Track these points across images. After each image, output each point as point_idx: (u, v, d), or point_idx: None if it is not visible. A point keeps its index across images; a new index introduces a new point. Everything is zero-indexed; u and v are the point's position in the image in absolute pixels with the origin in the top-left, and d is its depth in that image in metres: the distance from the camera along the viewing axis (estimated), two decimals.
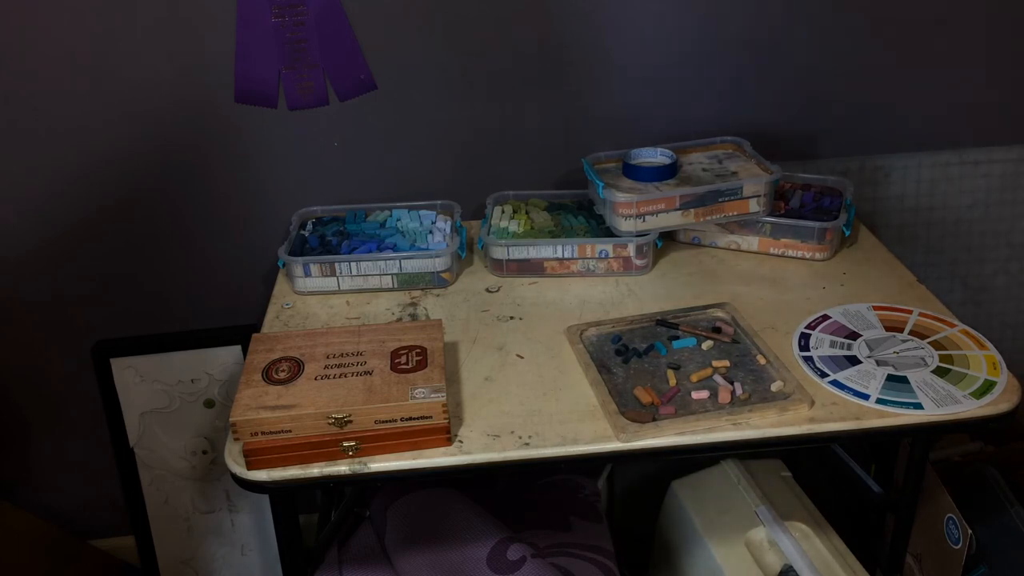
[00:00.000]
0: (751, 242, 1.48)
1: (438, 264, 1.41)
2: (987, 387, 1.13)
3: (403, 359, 1.12)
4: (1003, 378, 1.15)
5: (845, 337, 1.25)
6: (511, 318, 1.34)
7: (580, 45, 1.54)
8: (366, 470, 1.06)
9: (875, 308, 1.31)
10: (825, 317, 1.30)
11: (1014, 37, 1.63)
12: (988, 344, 1.22)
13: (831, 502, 1.54)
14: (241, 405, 1.05)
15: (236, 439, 1.04)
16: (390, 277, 1.42)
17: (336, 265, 1.41)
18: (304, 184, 1.59)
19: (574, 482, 1.55)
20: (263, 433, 1.04)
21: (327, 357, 1.13)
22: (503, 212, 1.54)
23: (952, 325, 1.26)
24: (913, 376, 1.16)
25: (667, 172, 1.45)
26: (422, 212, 1.55)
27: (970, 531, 1.41)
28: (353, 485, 1.46)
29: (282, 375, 1.10)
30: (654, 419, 1.10)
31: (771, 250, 1.47)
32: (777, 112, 1.63)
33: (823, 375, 1.17)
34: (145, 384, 1.69)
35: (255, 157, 1.57)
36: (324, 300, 1.41)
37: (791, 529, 1.43)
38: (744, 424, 1.10)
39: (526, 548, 1.35)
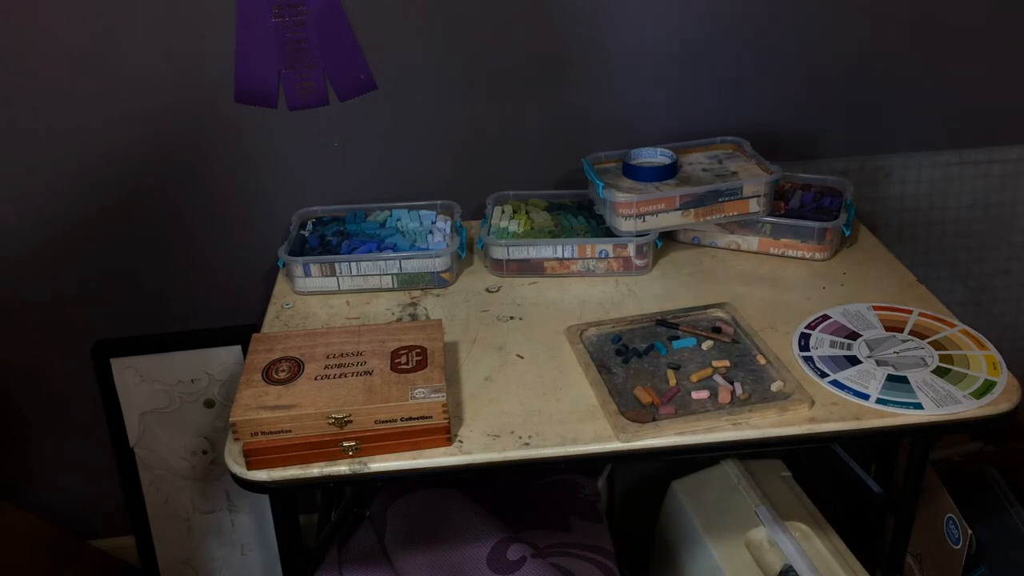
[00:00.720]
0: (751, 242, 1.48)
1: (438, 264, 1.41)
2: (987, 387, 1.13)
3: (403, 359, 1.12)
4: (1003, 378, 1.15)
5: (845, 337, 1.25)
6: (511, 318, 1.34)
7: (580, 45, 1.54)
8: (366, 470, 1.06)
9: (875, 308, 1.31)
10: (825, 317, 1.30)
11: (1014, 37, 1.63)
12: (988, 344, 1.22)
13: (831, 502, 1.54)
14: (241, 405, 1.05)
15: (236, 439, 1.04)
16: (390, 277, 1.42)
17: (336, 265, 1.41)
18: (304, 184, 1.59)
19: (574, 482, 1.55)
20: (263, 433, 1.04)
21: (327, 357, 1.13)
22: (503, 212, 1.54)
23: (952, 325, 1.26)
24: (913, 376, 1.16)
25: (667, 172, 1.45)
26: (422, 212, 1.55)
27: (970, 531, 1.41)
28: (353, 485, 1.46)
29: (282, 375, 1.10)
30: (654, 419, 1.10)
31: (771, 250, 1.47)
32: (777, 112, 1.63)
33: (823, 375, 1.17)
34: (145, 384, 1.69)
35: (255, 157, 1.57)
36: (324, 300, 1.41)
37: (791, 529, 1.43)
38: (744, 424, 1.10)
39: (526, 548, 1.35)
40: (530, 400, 1.15)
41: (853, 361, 1.20)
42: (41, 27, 1.44)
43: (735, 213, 1.43)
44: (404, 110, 1.56)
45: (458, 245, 1.43)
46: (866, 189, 1.69)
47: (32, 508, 1.76)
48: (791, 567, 1.39)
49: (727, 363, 1.20)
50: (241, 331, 1.68)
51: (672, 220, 1.42)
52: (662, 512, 1.61)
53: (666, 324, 1.29)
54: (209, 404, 1.73)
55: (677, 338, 1.26)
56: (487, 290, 1.42)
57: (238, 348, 1.69)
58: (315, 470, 1.06)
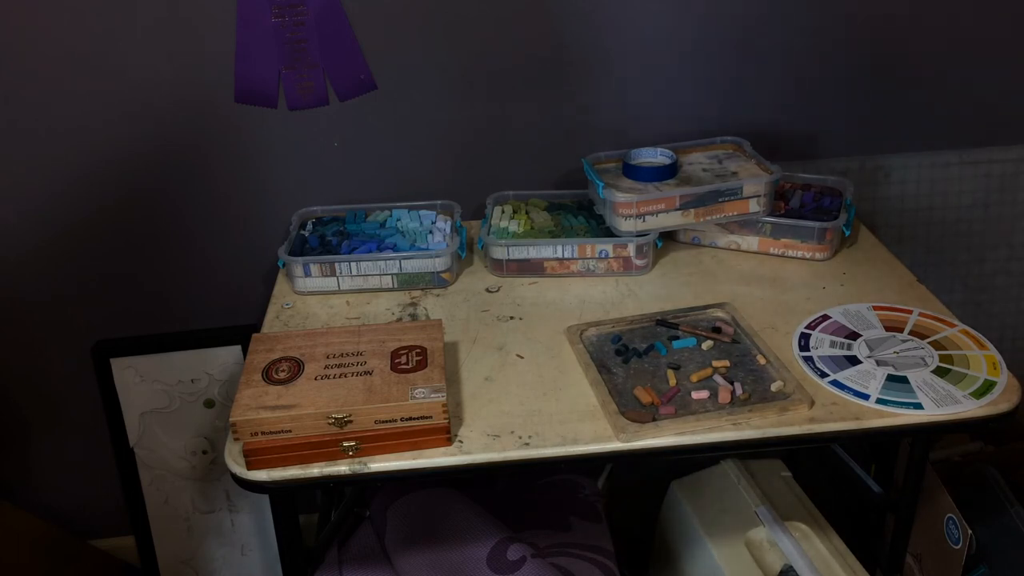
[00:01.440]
0: (751, 242, 1.48)
1: (438, 264, 1.41)
2: (987, 387, 1.13)
3: (403, 359, 1.12)
4: (1003, 378, 1.15)
5: (845, 337, 1.25)
6: (511, 318, 1.34)
7: (580, 45, 1.54)
8: (366, 470, 1.06)
9: (875, 308, 1.31)
10: (825, 317, 1.30)
11: (1014, 38, 1.63)
12: (988, 344, 1.22)
13: (831, 502, 1.54)
14: (241, 405, 1.05)
15: (236, 439, 1.04)
16: (390, 277, 1.42)
17: (336, 265, 1.41)
18: (304, 184, 1.59)
19: (574, 482, 1.55)
20: (263, 433, 1.04)
21: (327, 357, 1.13)
22: (503, 212, 1.54)
23: (952, 325, 1.26)
24: (913, 376, 1.16)
25: (667, 172, 1.45)
26: (422, 212, 1.55)
27: (970, 531, 1.41)
28: (353, 485, 1.46)
29: (282, 375, 1.10)
30: (654, 419, 1.10)
31: (771, 250, 1.47)
32: (777, 112, 1.63)
33: (823, 375, 1.17)
34: (145, 384, 1.69)
35: (255, 157, 1.57)
36: (324, 300, 1.41)
37: (791, 529, 1.43)
38: (744, 424, 1.10)
39: (526, 548, 1.35)
40: (530, 400, 1.15)
41: (853, 361, 1.20)
42: (41, 27, 1.44)
43: (735, 213, 1.43)
44: (404, 110, 1.56)
45: (458, 245, 1.43)
46: (866, 189, 1.69)
47: (32, 508, 1.76)
48: (791, 567, 1.39)
49: (727, 363, 1.20)
50: (241, 331, 1.68)
51: (672, 220, 1.42)
52: (662, 512, 1.61)
53: (666, 324, 1.29)
54: (209, 404, 1.73)
55: (677, 338, 1.26)
56: (487, 290, 1.42)
57: (238, 348, 1.69)
58: (315, 470, 1.06)
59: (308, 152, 1.57)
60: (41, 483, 1.79)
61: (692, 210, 1.41)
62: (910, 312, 1.29)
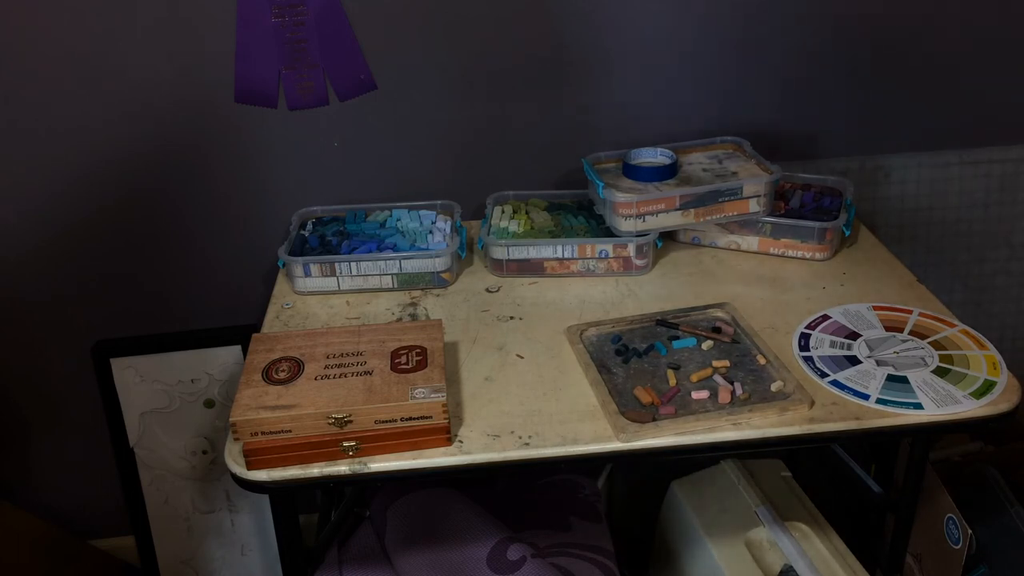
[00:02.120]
0: (751, 242, 1.48)
1: (438, 264, 1.41)
2: (987, 387, 1.13)
3: (403, 359, 1.12)
4: (1003, 378, 1.15)
5: (845, 337, 1.25)
6: (511, 318, 1.34)
7: (580, 45, 1.54)
8: (366, 470, 1.06)
9: (875, 308, 1.31)
10: (825, 317, 1.30)
11: (1014, 37, 1.63)
12: (988, 344, 1.22)
13: (831, 502, 1.54)
14: (241, 405, 1.05)
15: (236, 439, 1.04)
16: (390, 277, 1.42)
17: (336, 265, 1.41)
18: (304, 184, 1.59)
19: (574, 482, 1.55)
20: (263, 433, 1.04)
21: (327, 357, 1.13)
22: (503, 212, 1.54)
23: (952, 325, 1.26)
24: (913, 376, 1.16)
25: (667, 172, 1.45)
26: (422, 212, 1.55)
27: (970, 531, 1.41)
28: (353, 485, 1.46)
29: (282, 375, 1.10)
30: (654, 419, 1.10)
31: (771, 250, 1.47)
32: (777, 112, 1.63)
33: (823, 375, 1.17)
34: (145, 384, 1.69)
35: (255, 157, 1.57)
36: (324, 300, 1.41)
37: (791, 529, 1.43)
38: (744, 424, 1.10)
39: (526, 548, 1.35)
40: (530, 400, 1.15)
41: (853, 361, 1.20)
42: (41, 27, 1.44)
43: (735, 213, 1.43)
44: (404, 110, 1.56)
45: (458, 245, 1.43)
46: (866, 189, 1.69)
47: (32, 508, 1.76)
48: (791, 567, 1.39)
49: (727, 363, 1.20)
50: (241, 331, 1.68)
51: (672, 220, 1.42)
52: (662, 512, 1.61)
53: (666, 324, 1.29)
54: (209, 404, 1.73)
55: (677, 338, 1.26)
56: (487, 290, 1.42)
57: (238, 348, 1.69)
58: (315, 470, 1.06)
59: (308, 152, 1.57)
60: (41, 483, 1.79)
61: (692, 210, 1.41)
62: (910, 312, 1.29)
